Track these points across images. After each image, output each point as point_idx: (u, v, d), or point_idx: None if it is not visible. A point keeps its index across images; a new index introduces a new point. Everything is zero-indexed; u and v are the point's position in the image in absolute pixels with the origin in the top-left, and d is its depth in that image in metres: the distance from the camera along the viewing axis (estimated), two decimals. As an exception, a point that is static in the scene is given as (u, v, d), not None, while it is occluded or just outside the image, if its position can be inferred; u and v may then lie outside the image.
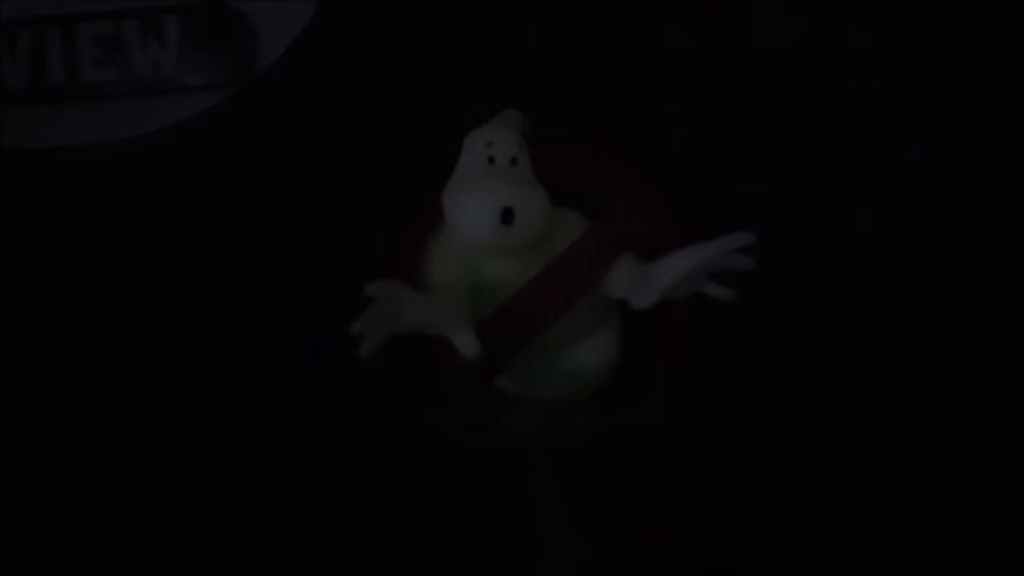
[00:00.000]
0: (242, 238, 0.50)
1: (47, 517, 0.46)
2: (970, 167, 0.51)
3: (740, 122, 0.52)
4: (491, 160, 0.44)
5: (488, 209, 0.42)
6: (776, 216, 0.49)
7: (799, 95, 0.53)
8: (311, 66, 0.52)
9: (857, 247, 0.50)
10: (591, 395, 0.46)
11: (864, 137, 0.52)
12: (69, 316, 0.49)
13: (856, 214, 0.50)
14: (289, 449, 0.47)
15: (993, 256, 0.50)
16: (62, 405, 0.47)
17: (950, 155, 0.51)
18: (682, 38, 0.53)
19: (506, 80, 0.52)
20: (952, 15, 0.53)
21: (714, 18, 0.54)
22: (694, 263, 0.43)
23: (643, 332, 0.47)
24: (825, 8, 0.54)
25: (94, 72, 0.52)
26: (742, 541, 0.46)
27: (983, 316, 0.49)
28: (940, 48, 0.53)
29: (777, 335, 0.48)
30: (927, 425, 0.47)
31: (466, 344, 0.41)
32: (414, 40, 0.53)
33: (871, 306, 0.49)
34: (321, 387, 0.48)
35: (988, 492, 0.46)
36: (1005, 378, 0.48)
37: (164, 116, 0.52)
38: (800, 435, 0.47)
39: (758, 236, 0.42)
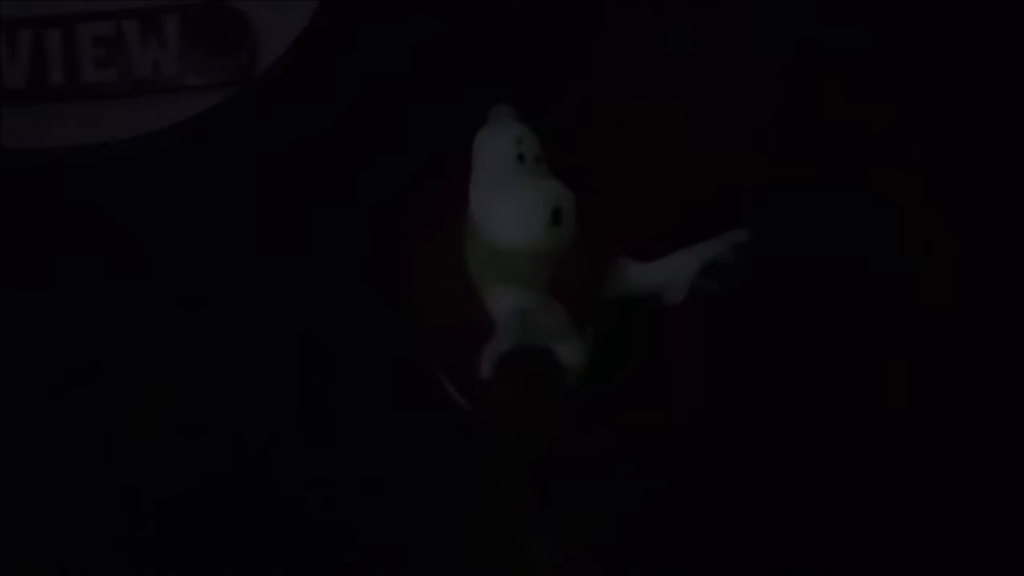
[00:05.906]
0: (242, 238, 0.50)
1: (47, 517, 0.46)
2: (970, 167, 0.51)
3: (740, 122, 0.52)
4: (520, 158, 0.41)
5: (541, 210, 0.40)
6: (776, 216, 0.49)
7: (798, 95, 0.53)
8: (311, 66, 0.52)
9: (857, 247, 0.50)
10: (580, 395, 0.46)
11: (864, 137, 0.52)
12: (69, 316, 0.49)
13: (856, 214, 0.50)
14: (288, 448, 0.47)
15: (993, 256, 0.50)
16: (62, 405, 0.47)
17: (950, 155, 0.52)
18: (681, 38, 0.53)
19: (506, 79, 0.52)
20: (952, 15, 0.53)
21: (714, 18, 0.54)
22: (708, 256, 0.43)
23: (639, 332, 0.47)
24: (825, 8, 0.54)
25: (94, 72, 0.52)
26: (740, 541, 0.46)
27: (983, 316, 0.49)
28: (940, 48, 0.53)
29: (776, 335, 0.48)
30: (926, 425, 0.47)
31: (576, 356, 0.40)
32: (414, 40, 0.53)
33: (870, 306, 0.49)
34: (320, 386, 0.48)
35: (988, 492, 0.46)
36: (1005, 378, 0.48)
37: (164, 116, 0.52)
38: (798, 435, 0.47)
39: (758, 236, 0.43)
